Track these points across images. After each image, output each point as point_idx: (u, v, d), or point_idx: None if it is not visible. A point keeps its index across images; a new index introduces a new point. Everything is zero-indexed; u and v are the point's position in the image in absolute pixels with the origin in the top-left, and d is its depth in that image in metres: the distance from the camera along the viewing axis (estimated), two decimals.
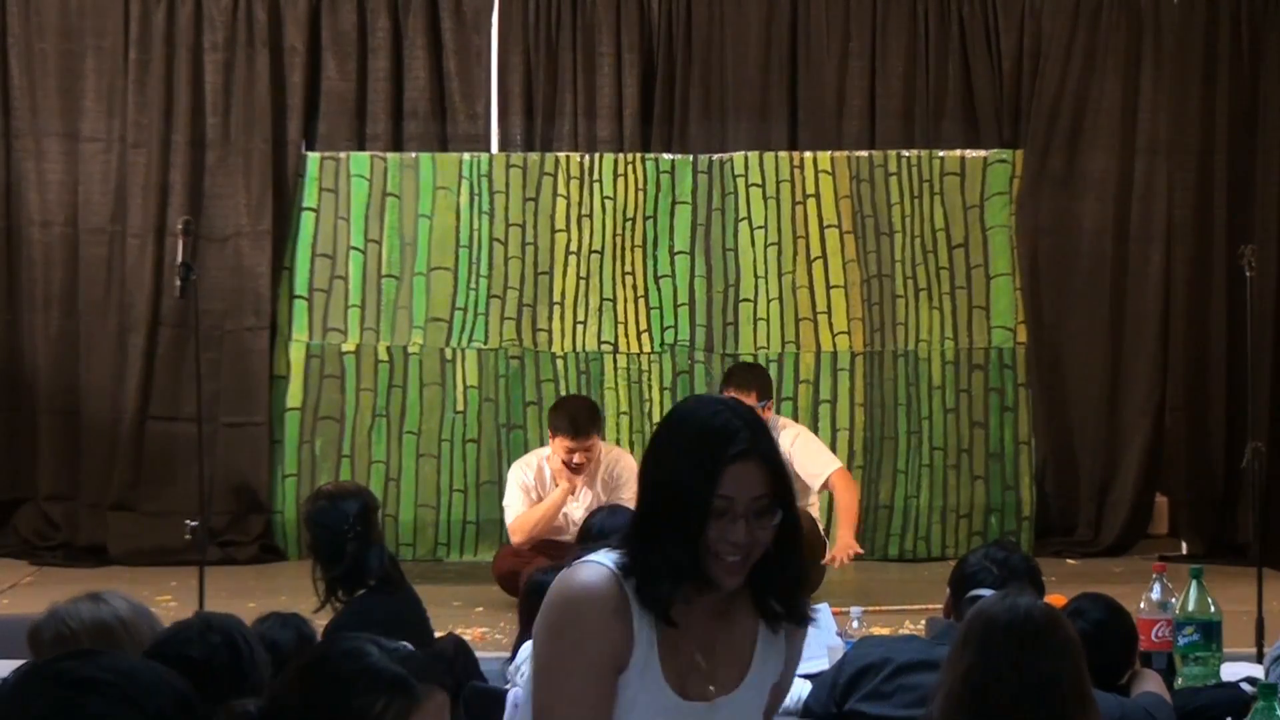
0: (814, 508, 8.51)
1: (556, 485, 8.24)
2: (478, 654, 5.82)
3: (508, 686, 5.00)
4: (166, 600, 7.76)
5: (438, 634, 5.84)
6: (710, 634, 3.17)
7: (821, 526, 8.54)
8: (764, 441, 3.11)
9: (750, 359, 9.56)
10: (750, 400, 8.25)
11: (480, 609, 8.01)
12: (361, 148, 9.78)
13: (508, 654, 5.48)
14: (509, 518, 8.29)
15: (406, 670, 2.53)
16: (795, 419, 9.30)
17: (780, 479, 3.11)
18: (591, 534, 5.06)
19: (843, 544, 8.19)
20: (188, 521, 7.17)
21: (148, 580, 8.47)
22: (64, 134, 9.65)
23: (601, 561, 3.12)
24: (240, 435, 9.62)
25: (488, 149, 9.85)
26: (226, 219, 9.68)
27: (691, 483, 3.05)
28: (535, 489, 8.27)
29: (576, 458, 8.15)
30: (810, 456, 8.31)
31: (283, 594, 7.71)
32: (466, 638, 6.09)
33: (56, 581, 8.41)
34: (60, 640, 3.90)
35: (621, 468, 8.33)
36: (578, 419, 8.24)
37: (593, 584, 3.09)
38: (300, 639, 4.64)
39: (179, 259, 7.37)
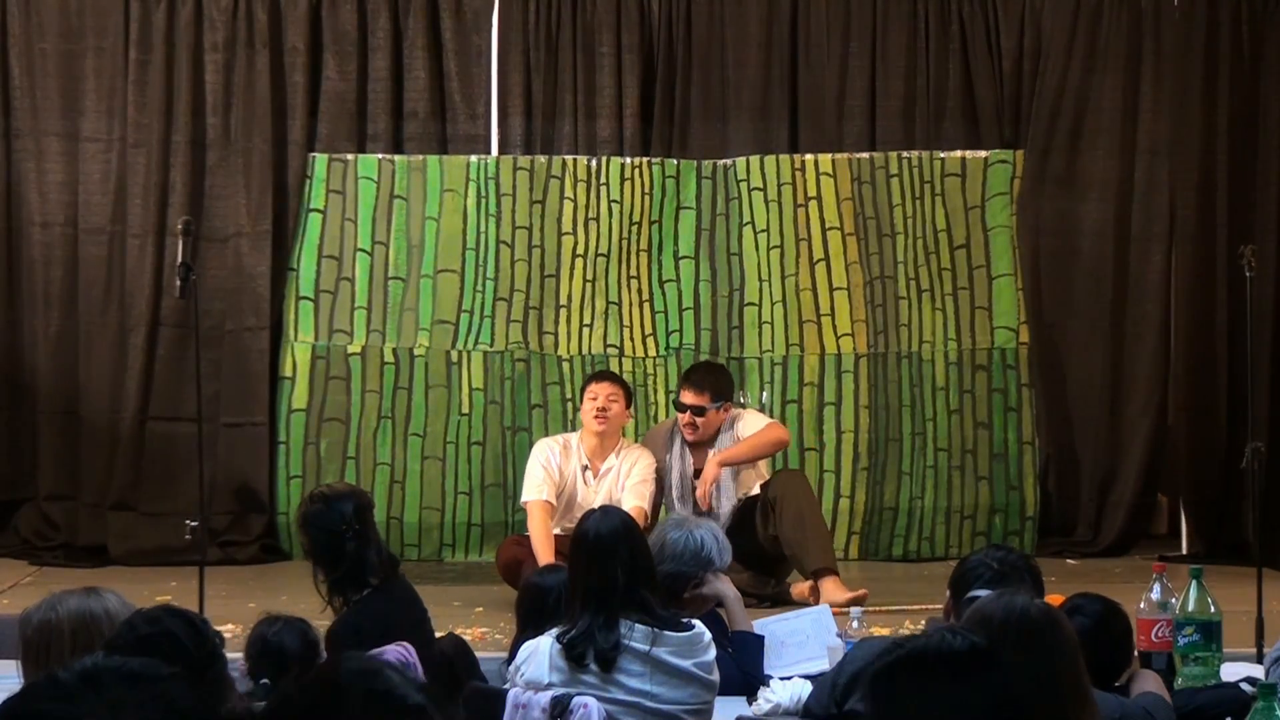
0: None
1: (586, 469, 8.27)
2: (478, 654, 5.84)
3: (507, 686, 5.00)
4: (166, 600, 7.73)
5: (438, 634, 5.84)
6: None
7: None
8: None
9: (755, 362, 9.55)
10: (703, 401, 8.21)
11: (480, 609, 8.00)
12: (362, 148, 9.78)
13: (507, 654, 5.48)
14: (525, 494, 8.26)
15: (426, 700, 2.41)
16: (800, 422, 9.32)
17: None
18: (588, 537, 5.05)
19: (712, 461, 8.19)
20: (188, 521, 7.16)
21: (148, 580, 8.46)
22: (64, 134, 9.64)
23: None
24: (241, 435, 9.63)
25: (488, 149, 9.85)
26: (227, 219, 9.68)
27: None
28: (557, 468, 8.27)
29: (600, 401, 8.17)
30: (752, 425, 8.27)
31: (283, 594, 7.71)
32: (466, 638, 6.10)
33: (56, 581, 8.35)
34: (45, 626, 3.96)
35: (636, 460, 8.35)
36: (602, 371, 8.72)
37: None
38: (305, 644, 4.64)
39: (179, 259, 7.36)
